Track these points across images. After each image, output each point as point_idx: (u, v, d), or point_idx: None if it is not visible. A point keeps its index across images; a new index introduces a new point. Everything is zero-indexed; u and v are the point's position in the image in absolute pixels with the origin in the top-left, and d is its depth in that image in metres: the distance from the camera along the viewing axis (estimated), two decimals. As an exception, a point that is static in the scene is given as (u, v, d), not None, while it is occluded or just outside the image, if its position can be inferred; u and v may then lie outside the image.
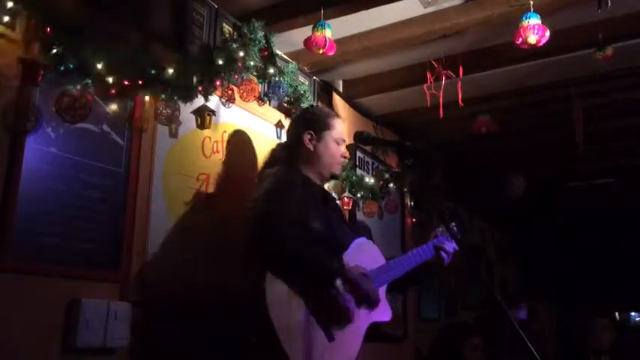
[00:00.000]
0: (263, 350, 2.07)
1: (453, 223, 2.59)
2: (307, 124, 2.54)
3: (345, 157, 2.60)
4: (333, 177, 2.65)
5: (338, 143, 2.53)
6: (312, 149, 2.49)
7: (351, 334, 2.20)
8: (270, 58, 2.92)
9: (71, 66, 2.04)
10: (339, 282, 2.10)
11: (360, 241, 2.44)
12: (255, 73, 2.87)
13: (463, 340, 3.68)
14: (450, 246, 2.58)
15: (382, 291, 2.37)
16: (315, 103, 3.42)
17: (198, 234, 2.58)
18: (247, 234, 2.10)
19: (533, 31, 2.65)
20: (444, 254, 2.56)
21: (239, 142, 2.90)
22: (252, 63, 2.73)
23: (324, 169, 2.51)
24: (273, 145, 3.11)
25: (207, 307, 2.46)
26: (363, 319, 2.26)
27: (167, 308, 2.37)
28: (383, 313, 2.36)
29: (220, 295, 2.45)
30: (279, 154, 2.75)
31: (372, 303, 2.24)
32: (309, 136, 2.49)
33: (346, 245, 2.34)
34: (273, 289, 2.04)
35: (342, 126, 2.60)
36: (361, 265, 2.28)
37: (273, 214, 2.11)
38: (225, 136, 2.82)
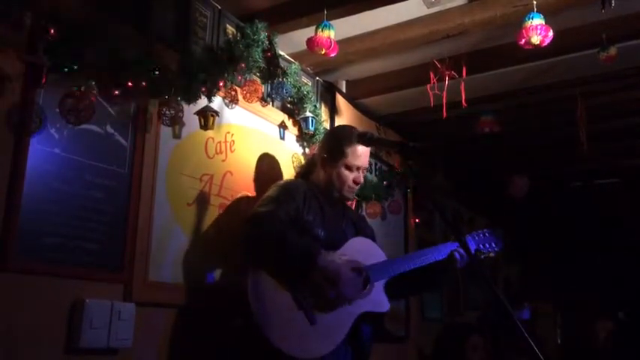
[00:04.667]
0: (245, 333, 2.19)
1: (486, 231, 2.64)
2: (325, 146, 2.62)
3: (357, 184, 2.56)
4: (344, 199, 2.64)
5: (351, 170, 2.52)
6: (323, 171, 2.56)
7: (337, 320, 2.24)
8: (273, 58, 2.93)
9: (75, 67, 2.05)
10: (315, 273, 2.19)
11: (357, 239, 2.47)
12: (258, 74, 2.88)
13: (464, 340, 3.68)
14: (489, 247, 2.62)
15: (379, 284, 2.40)
16: (317, 104, 3.42)
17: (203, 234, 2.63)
18: (243, 232, 2.28)
19: (537, 31, 2.64)
20: (457, 255, 2.51)
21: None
22: (255, 64, 2.73)
23: (333, 190, 2.54)
24: (276, 146, 3.13)
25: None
26: (354, 306, 2.28)
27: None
28: (378, 303, 2.37)
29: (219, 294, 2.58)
30: (303, 167, 2.84)
31: (341, 297, 2.21)
32: (322, 160, 2.57)
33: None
34: (256, 278, 2.20)
35: (362, 155, 2.53)
36: (355, 260, 2.33)
37: (264, 213, 2.27)
38: (229, 137, 2.83)
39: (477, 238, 2.66)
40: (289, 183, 2.57)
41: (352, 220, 2.65)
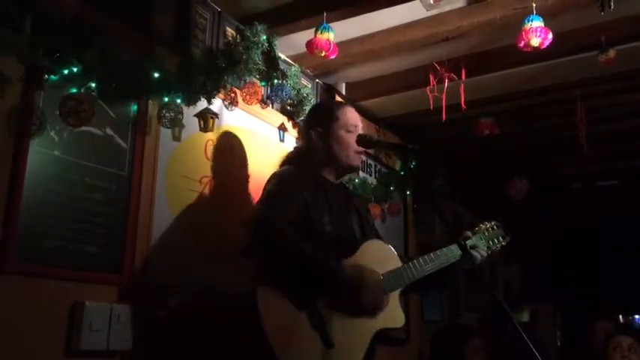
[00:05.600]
0: (255, 355, 2.02)
1: (494, 223, 2.52)
2: (313, 120, 2.44)
3: None
4: (352, 170, 2.48)
5: (349, 131, 2.34)
6: (322, 145, 2.36)
7: (353, 341, 2.07)
8: (272, 61, 2.93)
9: (75, 69, 2.06)
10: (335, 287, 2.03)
11: (371, 243, 2.30)
12: (258, 76, 2.88)
13: (464, 342, 3.67)
14: (497, 242, 2.48)
15: (395, 295, 2.20)
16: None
17: (201, 236, 2.59)
18: (247, 238, 2.09)
19: (536, 33, 2.65)
20: (475, 253, 2.36)
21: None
22: (254, 66, 2.73)
23: (339, 163, 2.36)
24: (276, 148, 3.11)
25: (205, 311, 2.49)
26: (369, 324, 2.11)
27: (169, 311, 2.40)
28: (393, 318, 2.17)
29: (218, 298, 2.49)
30: (291, 155, 2.57)
31: (367, 310, 2.07)
32: (317, 133, 2.38)
33: (355, 247, 2.21)
34: (267, 293, 1.99)
35: (352, 113, 2.38)
36: (370, 268, 2.13)
37: (271, 218, 2.07)
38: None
39: (486, 233, 2.49)
40: (289, 174, 2.31)
41: (357, 209, 2.45)
